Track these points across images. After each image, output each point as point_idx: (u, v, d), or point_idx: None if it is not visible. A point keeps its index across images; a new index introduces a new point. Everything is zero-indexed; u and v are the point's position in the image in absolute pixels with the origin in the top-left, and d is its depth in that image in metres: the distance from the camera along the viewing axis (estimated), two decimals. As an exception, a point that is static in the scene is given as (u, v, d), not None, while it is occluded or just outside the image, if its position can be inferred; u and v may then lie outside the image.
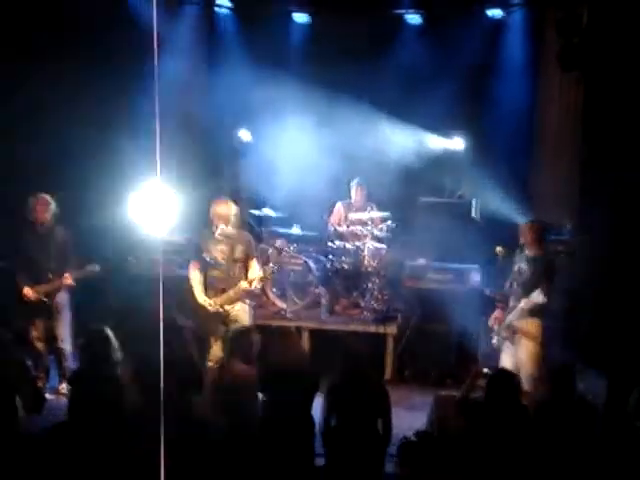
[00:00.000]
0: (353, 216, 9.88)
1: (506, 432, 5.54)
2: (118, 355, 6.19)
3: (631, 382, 6.14)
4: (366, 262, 9.42)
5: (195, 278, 7.56)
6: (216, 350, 7.32)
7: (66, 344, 8.01)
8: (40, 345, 7.95)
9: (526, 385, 6.82)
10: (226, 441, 5.85)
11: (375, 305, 9.32)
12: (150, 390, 4.58)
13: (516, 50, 10.68)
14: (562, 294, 7.70)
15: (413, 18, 10.97)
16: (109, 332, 6.26)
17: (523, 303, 7.11)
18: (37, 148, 9.47)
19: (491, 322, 7.41)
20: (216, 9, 11.33)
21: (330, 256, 9.69)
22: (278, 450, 5.71)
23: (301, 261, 9.53)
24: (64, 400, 6.84)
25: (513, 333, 7.24)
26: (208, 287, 7.53)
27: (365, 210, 9.67)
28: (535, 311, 7.13)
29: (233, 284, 7.48)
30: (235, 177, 10.86)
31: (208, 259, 7.52)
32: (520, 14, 10.73)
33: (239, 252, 7.54)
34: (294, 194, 10.02)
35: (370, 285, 9.41)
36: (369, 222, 9.56)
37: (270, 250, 9.76)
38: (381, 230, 9.62)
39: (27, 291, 7.79)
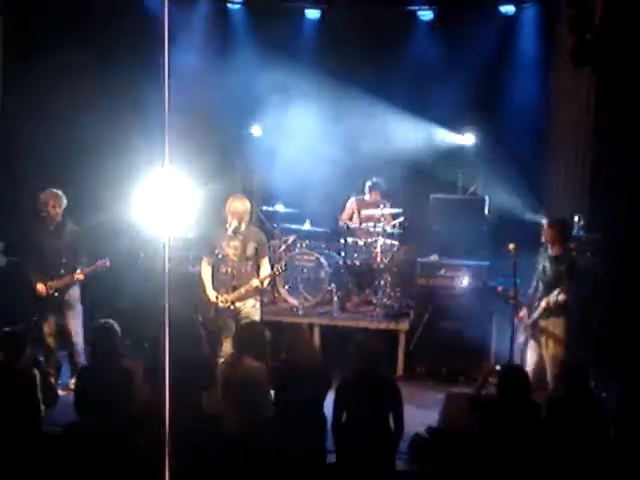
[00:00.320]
0: (365, 212, 9.88)
1: (519, 429, 5.53)
2: (124, 349, 6.19)
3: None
4: (378, 259, 9.41)
5: (206, 274, 7.57)
6: (227, 347, 7.30)
7: (78, 339, 7.97)
8: (51, 340, 7.95)
9: (551, 384, 6.87)
10: (237, 437, 5.85)
11: (387, 302, 9.32)
12: (161, 386, 4.58)
13: (528, 46, 10.62)
14: (581, 292, 7.67)
15: (425, 14, 10.94)
16: (116, 326, 6.28)
17: (544, 302, 7.12)
18: (51, 144, 9.50)
19: (517, 320, 7.38)
20: (229, 5, 11.34)
21: (342, 253, 9.70)
22: (290, 447, 5.69)
23: (313, 258, 9.50)
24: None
25: (539, 332, 7.23)
26: (219, 284, 7.54)
27: (378, 207, 9.65)
28: (558, 310, 7.13)
29: (244, 281, 7.48)
30: (247, 172, 10.84)
31: (220, 256, 7.52)
32: (532, 10, 10.67)
33: (251, 249, 7.54)
34: (306, 190, 10.00)
35: (382, 282, 9.40)
36: (381, 219, 9.54)
37: (282, 247, 9.77)
38: (393, 227, 9.62)
39: (40, 287, 7.77)
